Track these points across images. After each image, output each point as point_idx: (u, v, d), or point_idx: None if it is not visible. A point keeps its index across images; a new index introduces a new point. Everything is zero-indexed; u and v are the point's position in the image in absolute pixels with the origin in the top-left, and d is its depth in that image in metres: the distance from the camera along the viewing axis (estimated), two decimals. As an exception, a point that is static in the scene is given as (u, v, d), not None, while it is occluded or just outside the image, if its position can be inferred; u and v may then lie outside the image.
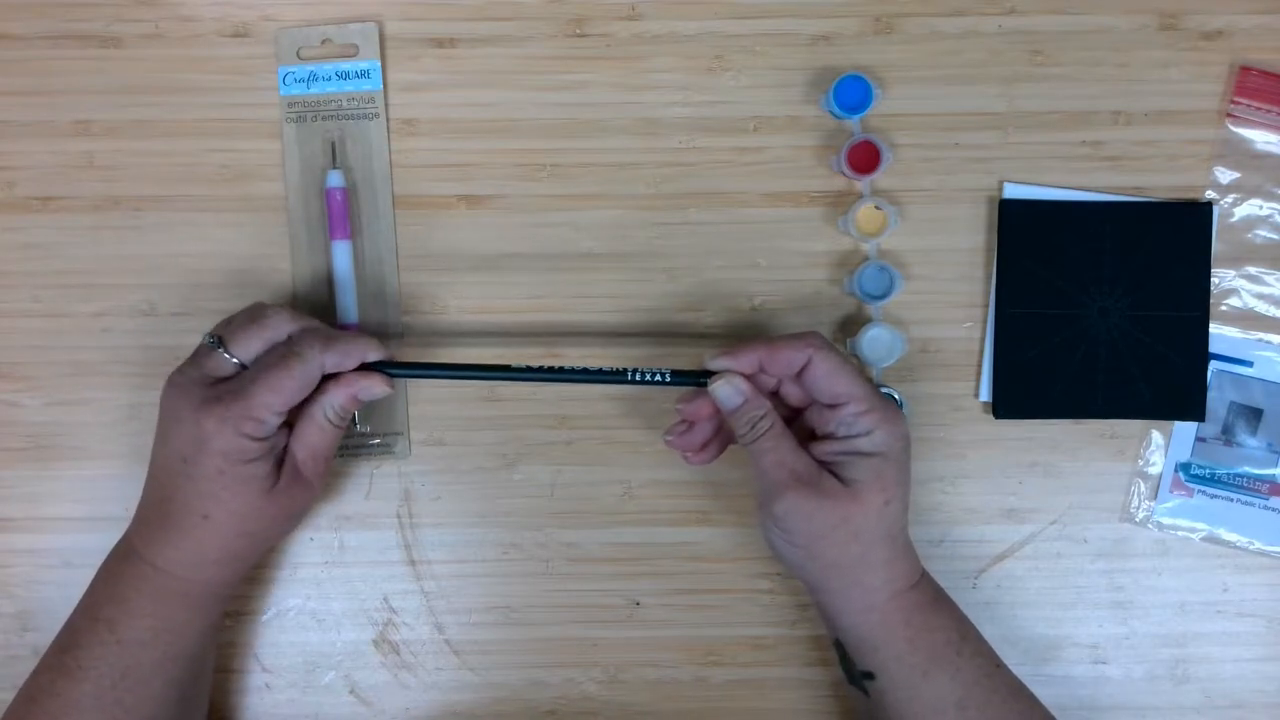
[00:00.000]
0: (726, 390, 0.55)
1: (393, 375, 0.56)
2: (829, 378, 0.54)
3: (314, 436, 0.55)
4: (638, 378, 0.56)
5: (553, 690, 0.63)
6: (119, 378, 0.62)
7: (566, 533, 0.63)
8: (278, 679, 0.63)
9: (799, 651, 0.63)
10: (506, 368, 0.56)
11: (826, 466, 0.54)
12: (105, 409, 0.62)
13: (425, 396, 0.62)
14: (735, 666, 0.63)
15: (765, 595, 0.63)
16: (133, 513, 0.60)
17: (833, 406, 0.54)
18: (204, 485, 0.52)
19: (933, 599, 0.56)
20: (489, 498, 0.63)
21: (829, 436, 0.55)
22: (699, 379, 0.56)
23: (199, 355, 0.55)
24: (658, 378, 0.56)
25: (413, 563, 0.63)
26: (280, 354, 0.53)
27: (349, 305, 0.61)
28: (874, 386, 0.55)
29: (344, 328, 0.61)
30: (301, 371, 0.53)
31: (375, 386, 0.55)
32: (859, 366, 0.62)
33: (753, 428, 0.54)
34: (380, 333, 0.61)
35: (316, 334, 0.54)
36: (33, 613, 0.62)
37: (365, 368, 0.55)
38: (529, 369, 0.56)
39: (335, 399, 0.54)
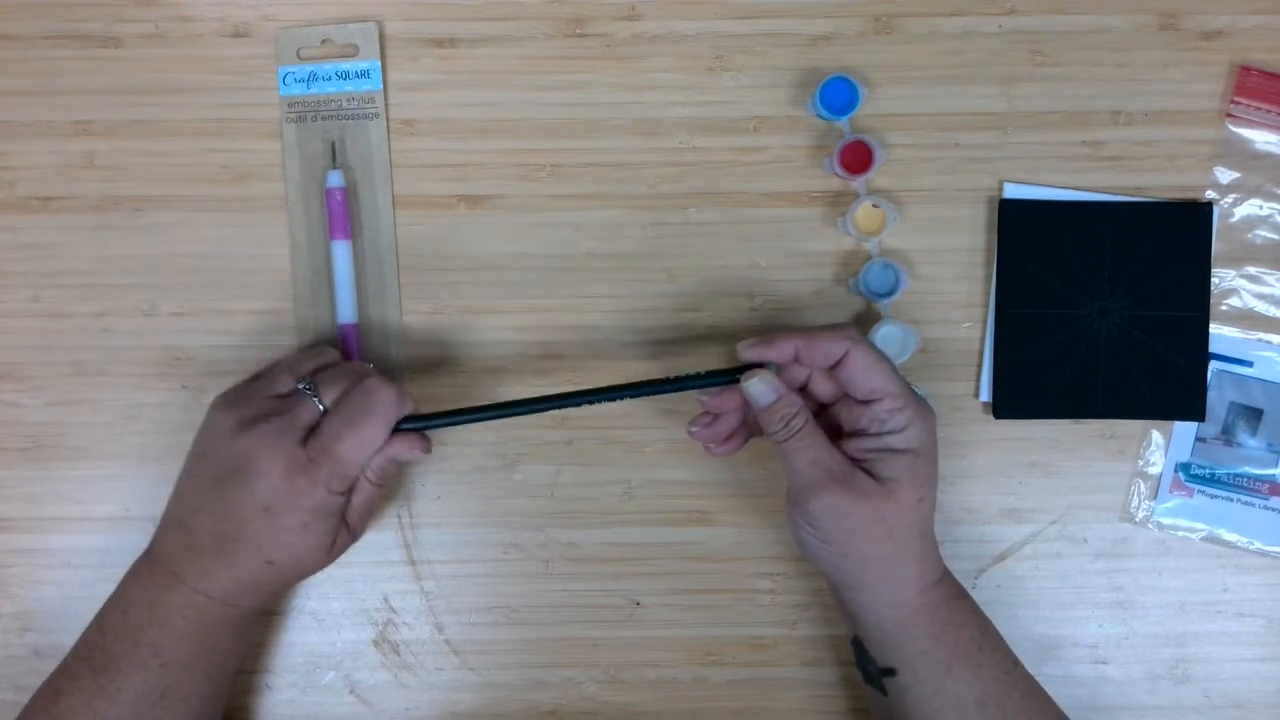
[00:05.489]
0: (760, 388, 0.54)
1: (427, 428, 0.56)
2: (866, 372, 0.53)
3: (361, 497, 0.56)
4: (673, 387, 0.55)
5: (553, 690, 0.63)
6: (119, 378, 0.62)
7: (566, 533, 0.63)
8: (278, 679, 0.63)
9: (799, 651, 0.63)
10: (539, 400, 0.56)
11: (858, 464, 0.54)
12: (105, 409, 0.62)
13: (426, 397, 0.62)
14: (735, 666, 0.63)
15: (765, 595, 0.63)
16: (133, 512, 0.60)
17: (865, 402, 0.54)
18: (280, 535, 0.53)
19: (956, 594, 0.56)
20: (489, 498, 0.63)
21: (860, 433, 0.54)
22: (733, 376, 0.55)
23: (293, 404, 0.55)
24: (692, 382, 0.55)
25: (413, 563, 0.63)
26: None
27: (349, 305, 0.61)
28: (906, 382, 0.54)
29: (343, 328, 0.61)
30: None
31: (411, 455, 0.55)
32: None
33: (786, 425, 0.54)
34: (380, 333, 0.61)
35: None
36: (33, 613, 0.62)
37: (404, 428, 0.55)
38: (563, 396, 0.55)
39: (375, 462, 0.55)
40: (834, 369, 0.54)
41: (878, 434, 0.54)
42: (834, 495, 0.52)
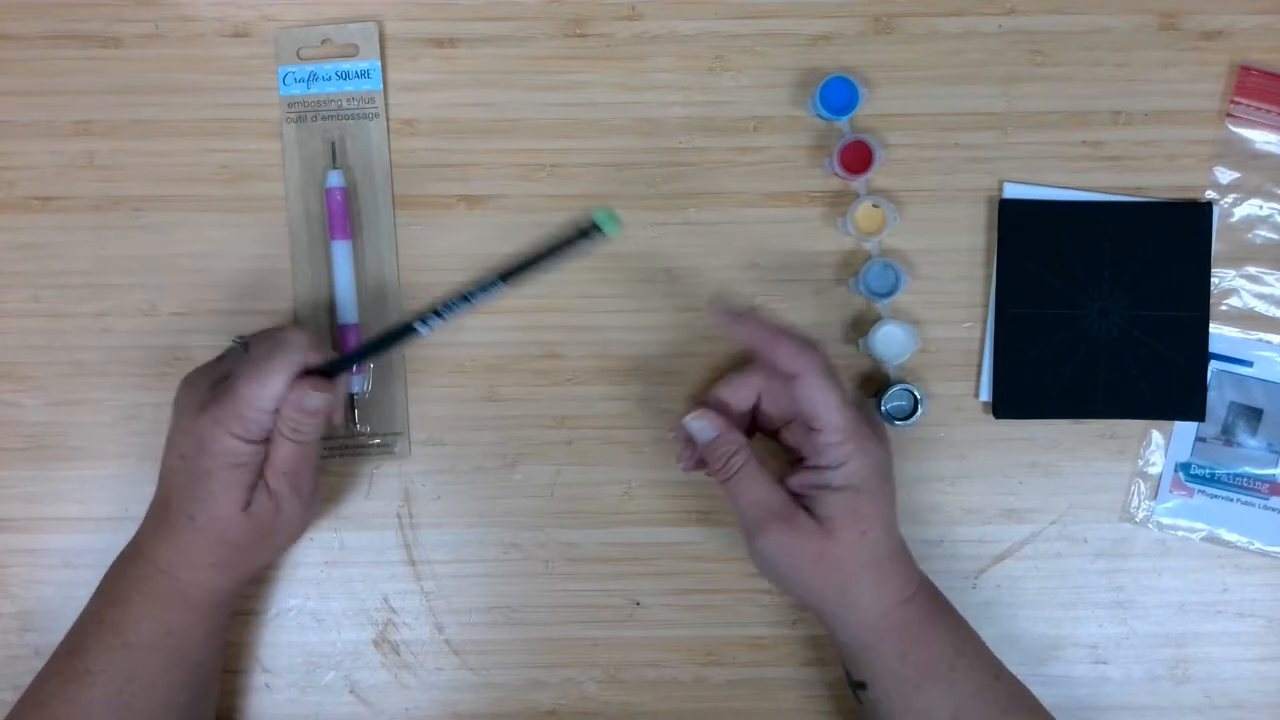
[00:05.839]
0: (698, 424, 0.56)
1: (337, 369, 0.55)
2: (811, 400, 0.53)
3: (277, 453, 0.54)
4: (548, 257, 0.53)
5: (553, 690, 0.63)
6: (119, 378, 0.62)
7: (566, 533, 0.63)
8: (278, 679, 0.63)
9: (799, 651, 0.63)
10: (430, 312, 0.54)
11: (800, 499, 0.54)
12: (105, 409, 0.62)
13: (425, 396, 0.62)
14: (735, 666, 0.63)
15: (765, 595, 0.63)
16: (132, 512, 0.60)
17: (810, 430, 0.54)
18: (195, 487, 0.53)
19: (929, 613, 0.55)
20: (489, 498, 0.63)
21: (802, 464, 0.55)
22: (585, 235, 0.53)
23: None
24: (560, 248, 0.53)
25: (413, 563, 0.63)
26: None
27: (349, 305, 0.61)
28: (855, 415, 0.54)
29: (343, 328, 0.61)
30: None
31: (307, 397, 0.53)
32: (875, 366, 0.62)
33: (725, 464, 0.55)
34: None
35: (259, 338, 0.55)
36: (33, 613, 0.62)
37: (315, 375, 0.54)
38: (451, 301, 0.54)
39: (285, 411, 0.53)
40: (788, 383, 0.54)
41: (817, 467, 0.54)
42: (777, 535, 0.53)
